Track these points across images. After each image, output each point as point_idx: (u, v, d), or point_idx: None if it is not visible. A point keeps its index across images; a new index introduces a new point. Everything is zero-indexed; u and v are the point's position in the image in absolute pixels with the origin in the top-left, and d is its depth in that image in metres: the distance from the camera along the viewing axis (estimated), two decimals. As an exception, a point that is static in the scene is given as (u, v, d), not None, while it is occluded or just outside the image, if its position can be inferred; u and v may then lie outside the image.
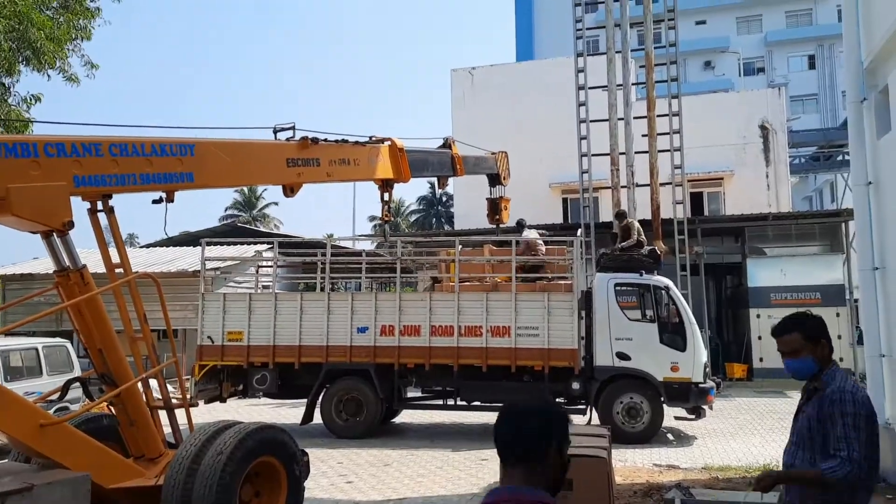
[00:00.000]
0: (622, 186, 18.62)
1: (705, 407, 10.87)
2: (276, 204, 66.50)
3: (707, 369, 11.13)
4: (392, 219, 9.42)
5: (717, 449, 10.19)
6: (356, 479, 8.50)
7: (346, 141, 8.06)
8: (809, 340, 2.98)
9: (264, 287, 13.43)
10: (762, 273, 18.62)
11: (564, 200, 25.84)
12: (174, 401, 6.20)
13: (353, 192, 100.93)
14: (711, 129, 23.12)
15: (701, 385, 10.72)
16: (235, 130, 7.21)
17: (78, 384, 5.83)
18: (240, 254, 18.27)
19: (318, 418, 11.46)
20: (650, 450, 10.12)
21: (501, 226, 12.46)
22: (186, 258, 20.19)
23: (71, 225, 5.31)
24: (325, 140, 7.69)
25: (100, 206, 5.74)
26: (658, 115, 18.72)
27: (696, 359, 10.80)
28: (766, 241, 19.44)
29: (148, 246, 25.52)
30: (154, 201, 6.04)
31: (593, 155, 19.25)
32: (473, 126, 26.47)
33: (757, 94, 26.64)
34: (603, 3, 20.37)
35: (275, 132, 7.31)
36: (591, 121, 19.29)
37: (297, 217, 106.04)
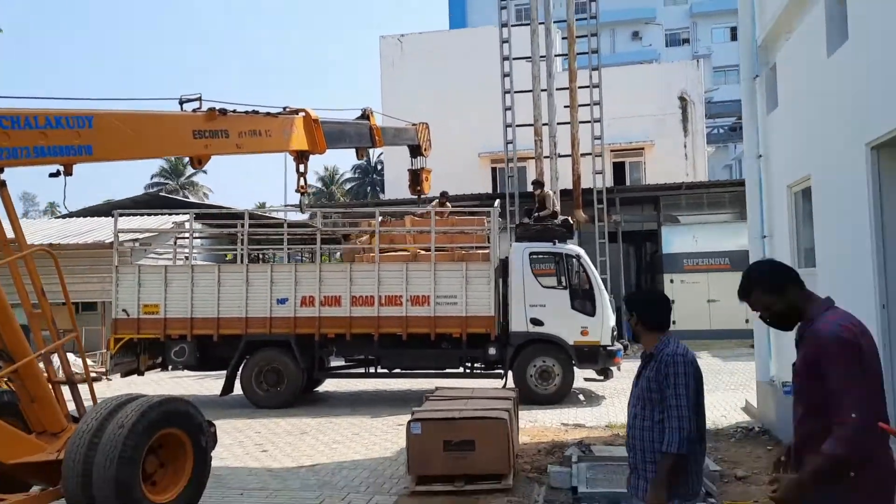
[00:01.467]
0: (545, 157, 19.02)
1: (613, 368, 11.43)
2: (204, 172, 64.86)
3: (615, 333, 11.68)
4: (308, 191, 9.30)
5: (622, 408, 10.73)
6: (272, 447, 8.64)
7: (258, 112, 7.97)
8: None
9: (185, 259, 13.25)
10: (676, 240, 19.48)
11: (493, 170, 26.18)
12: (77, 376, 6.17)
13: (284, 162, 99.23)
14: (633, 100, 23.78)
15: (609, 348, 11.27)
16: (139, 102, 7.09)
17: None
18: (159, 225, 17.86)
19: (237, 389, 11.50)
20: (560, 410, 10.61)
21: (423, 196, 12.53)
22: (105, 229, 19.56)
23: None
24: (235, 111, 7.59)
25: None
26: (580, 87, 19.16)
27: (604, 323, 11.32)
28: (680, 209, 20.28)
29: (65, 216, 24.57)
30: (51, 175, 5.87)
31: (518, 125, 19.58)
32: (403, 94, 26.41)
33: (676, 65, 27.46)
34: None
35: (181, 103, 7.23)
36: (515, 91, 19.57)
37: (228, 186, 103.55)
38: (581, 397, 11.80)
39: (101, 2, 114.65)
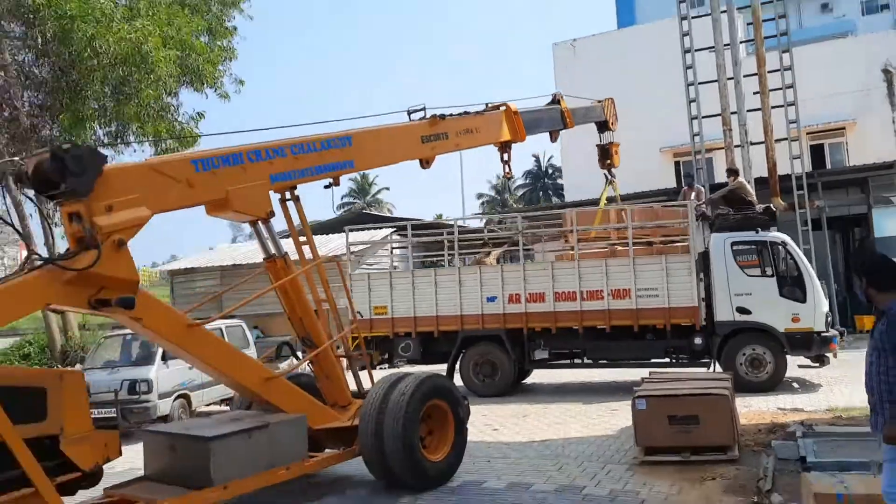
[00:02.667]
0: (736, 146, 18.61)
1: (829, 355, 11.20)
2: (387, 189, 69.23)
3: (829, 318, 11.41)
4: (513, 175, 10.37)
5: (842, 394, 10.55)
6: (501, 427, 9.67)
7: (468, 113, 8.95)
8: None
9: (393, 267, 14.87)
10: (890, 223, 18.16)
11: (676, 164, 25.83)
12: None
13: (460, 174, 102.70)
14: (830, 77, 22.42)
15: (823, 334, 11.07)
16: (377, 118, 8.39)
17: (287, 347, 7.31)
18: (370, 237, 19.91)
19: (457, 380, 12.74)
20: (775, 396, 10.62)
21: (613, 169, 12.99)
22: (321, 246, 22.12)
23: (272, 213, 6.67)
24: (451, 115, 8.62)
25: (288, 195, 7.05)
26: (769, 71, 18.54)
27: (817, 309, 11.14)
28: (893, 189, 18.81)
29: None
30: (325, 186, 7.31)
31: (704, 117, 19.33)
32: (579, 98, 26.89)
33: (877, 36, 25.46)
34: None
35: (408, 114, 8.31)
36: (699, 83, 19.36)
37: (407, 200, 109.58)
38: (795, 385, 11.66)
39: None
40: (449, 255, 14.22)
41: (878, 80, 23.22)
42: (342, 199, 65.81)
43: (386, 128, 7.95)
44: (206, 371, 6.80)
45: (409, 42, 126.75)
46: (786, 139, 18.50)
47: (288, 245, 7.13)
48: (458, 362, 12.76)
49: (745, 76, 18.64)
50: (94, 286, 5.13)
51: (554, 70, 28.81)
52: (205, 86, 13.68)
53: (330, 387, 7.16)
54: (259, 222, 6.73)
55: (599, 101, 12.04)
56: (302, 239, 7.21)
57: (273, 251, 6.89)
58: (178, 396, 11.01)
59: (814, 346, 11.08)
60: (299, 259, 7.25)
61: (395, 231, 22.08)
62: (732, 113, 18.73)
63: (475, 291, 12.65)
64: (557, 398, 12.02)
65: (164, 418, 10.58)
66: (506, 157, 9.82)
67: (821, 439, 7.21)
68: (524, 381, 13.88)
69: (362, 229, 20.15)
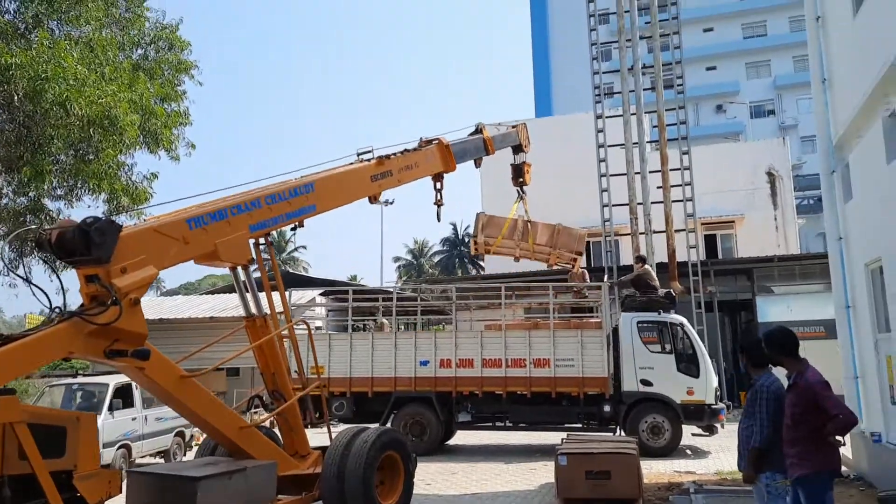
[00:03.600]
0: (640, 233, 20.77)
1: (717, 424, 12.84)
2: (304, 248, 69.18)
3: (718, 392, 13.11)
4: (444, 203, 10.86)
5: (728, 460, 12.08)
6: (433, 482, 10.58)
7: (408, 150, 9.69)
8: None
9: (317, 328, 15.73)
10: (771, 309, 20.56)
11: (588, 244, 27.95)
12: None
13: (380, 238, 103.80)
14: (722, 176, 25.34)
15: (713, 406, 12.72)
16: (329, 163, 8.75)
17: (257, 399, 8.05)
18: (296, 300, 20.60)
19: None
20: (672, 461, 12.06)
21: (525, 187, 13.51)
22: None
23: (252, 260, 7.35)
24: (394, 154, 9.34)
25: (262, 241, 7.65)
26: (671, 169, 20.97)
27: (708, 384, 12.81)
28: (774, 280, 21.39)
29: (209, 293, 27.93)
30: (292, 229, 8.06)
31: (614, 205, 21.51)
32: (501, 176, 28.94)
33: (763, 143, 28.83)
34: (618, 47, 22.72)
35: (358, 155, 8.99)
36: (610, 175, 21.60)
37: (323, 259, 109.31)
38: (688, 452, 13.19)
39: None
40: (385, 319, 15.19)
41: (763, 182, 26.42)
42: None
43: (341, 171, 8.58)
44: (190, 418, 7.38)
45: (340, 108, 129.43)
46: (684, 230, 20.83)
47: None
48: (390, 422, 13.60)
49: (650, 172, 20.99)
50: (110, 338, 5.81)
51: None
52: (160, 148, 14.36)
53: (293, 437, 7.83)
54: (239, 268, 7.39)
55: (514, 127, 12.93)
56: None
57: (254, 311, 7.64)
58: (121, 446, 11.32)
59: (705, 416, 12.69)
60: (270, 312, 7.78)
61: (322, 293, 22.90)
62: (639, 204, 20.98)
63: (409, 355, 13.65)
64: (480, 458, 13.03)
65: (106, 467, 10.83)
66: (438, 185, 10.56)
67: (710, 496, 8.61)
68: (448, 442, 14.83)
69: (297, 289, 20.82)
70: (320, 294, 22.93)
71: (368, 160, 8.94)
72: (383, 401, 13.63)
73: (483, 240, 13.79)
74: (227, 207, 7.06)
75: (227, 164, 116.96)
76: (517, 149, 13.05)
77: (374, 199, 9.06)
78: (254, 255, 7.49)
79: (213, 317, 20.55)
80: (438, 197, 10.74)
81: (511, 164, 13.26)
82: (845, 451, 11.39)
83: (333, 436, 7.80)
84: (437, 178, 10.44)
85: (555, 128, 29.49)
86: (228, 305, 22.37)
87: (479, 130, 11.57)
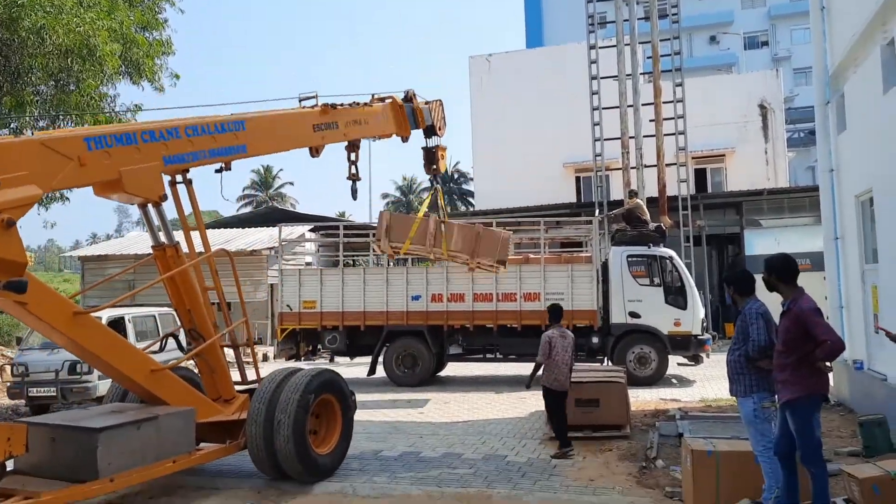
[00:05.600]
0: (632, 168, 20.69)
1: (703, 354, 13.12)
2: (291, 184, 68.57)
3: (704, 324, 13.34)
4: (360, 178, 9.55)
5: (712, 388, 12.41)
6: (426, 411, 10.82)
7: (357, 103, 8.83)
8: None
9: (307, 264, 15.77)
10: (758, 242, 20.74)
11: (577, 179, 27.88)
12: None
13: (368, 174, 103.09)
14: (714, 108, 25.10)
15: (699, 337, 12.96)
16: (268, 103, 8.01)
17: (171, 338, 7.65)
18: (286, 235, 20.56)
19: (380, 371, 13.78)
20: (658, 390, 12.36)
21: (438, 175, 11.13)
22: (239, 239, 22.51)
23: (165, 197, 6.54)
24: (342, 105, 8.49)
25: (179, 179, 6.88)
26: (664, 102, 20.73)
27: (695, 315, 13.01)
28: (762, 213, 21.50)
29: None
30: (216, 171, 7.13)
31: (605, 139, 21.32)
32: (491, 109, 28.58)
33: (756, 75, 28.42)
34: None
35: (300, 101, 8.18)
36: (603, 108, 21.34)
37: (310, 195, 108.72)
38: (674, 381, 13.51)
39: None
40: (375, 255, 15.20)
41: (755, 115, 26.20)
42: (244, 190, 64.90)
43: (280, 113, 7.82)
44: (91, 361, 6.73)
45: (313, 47, 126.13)
46: (675, 164, 20.76)
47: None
48: (382, 355, 13.79)
49: (642, 104, 20.75)
50: None
51: (469, 82, 30.26)
52: (143, 79, 14.00)
53: (215, 381, 7.06)
54: (150, 206, 6.62)
55: (427, 103, 10.62)
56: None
57: (163, 240, 6.87)
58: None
59: (691, 346, 12.95)
60: (188, 248, 7.11)
61: (312, 229, 22.86)
62: (631, 137, 20.82)
63: (401, 290, 13.73)
64: (472, 388, 13.30)
65: (100, 399, 10.97)
66: (353, 156, 9.30)
67: (694, 421, 8.85)
68: (440, 374, 15.09)
69: (287, 225, 20.78)
70: (310, 230, 22.90)
71: (313, 107, 8.17)
72: (375, 334, 13.79)
73: (387, 245, 11.69)
74: (136, 132, 6.33)
75: (215, 95, 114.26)
76: (430, 130, 10.69)
77: (316, 152, 8.26)
78: (168, 193, 6.68)
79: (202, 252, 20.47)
80: (353, 171, 9.43)
81: (423, 148, 10.88)
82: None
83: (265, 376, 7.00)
84: (352, 147, 9.23)
85: (546, 59, 28.94)
86: (217, 241, 22.32)
87: (409, 98, 10.02)
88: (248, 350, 7.51)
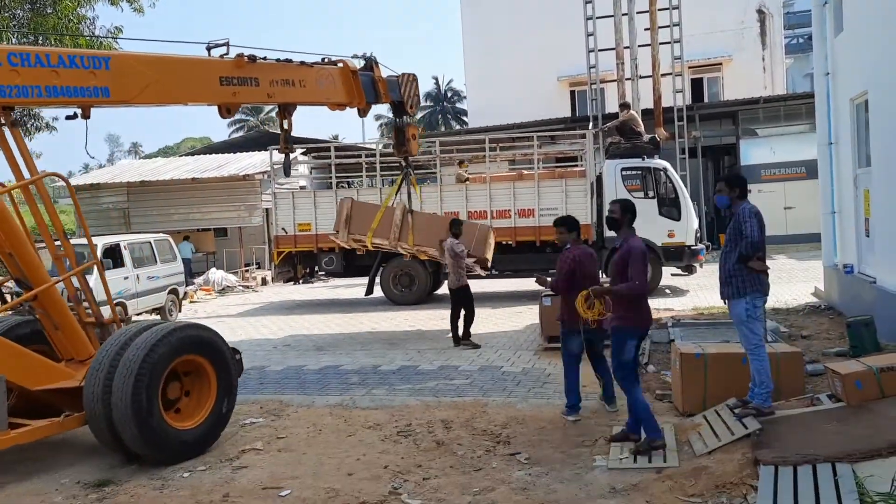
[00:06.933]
0: (626, 79, 20.29)
1: (696, 264, 13.26)
2: (284, 109, 67.31)
3: (698, 234, 13.43)
4: (294, 150, 8.29)
5: (704, 297, 12.60)
6: (422, 327, 11.03)
7: (291, 61, 7.37)
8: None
9: (301, 187, 15.67)
10: (754, 152, 20.64)
11: (572, 93, 27.43)
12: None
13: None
14: (711, 15, 24.39)
15: (693, 247, 13.07)
16: (165, 46, 6.71)
17: None
18: (278, 158, 20.40)
19: (378, 291, 13.95)
20: (652, 300, 12.36)
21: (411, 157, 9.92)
22: (231, 164, 22.31)
23: None
24: (265, 59, 7.08)
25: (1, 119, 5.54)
26: (659, 9, 20.12)
27: (688, 226, 13.08)
28: (758, 122, 21.28)
29: (147, 157, 27.45)
30: (67, 117, 5.86)
31: (600, 50, 20.81)
32: (482, 23, 27.77)
33: (755, -22, 27.42)
34: None
35: (208, 49, 6.73)
36: (597, 17, 20.72)
37: (302, 118, 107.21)
38: (668, 291, 13.72)
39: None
40: (369, 175, 15.12)
41: (753, 20, 25.51)
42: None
43: (171, 57, 6.36)
44: None
45: None
46: (671, 74, 20.35)
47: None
48: (379, 275, 13.93)
49: (637, 13, 20.14)
50: None
51: (461, -6, 29.26)
52: (121, -1, 13.51)
53: (63, 339, 5.88)
54: None
55: (398, 76, 9.07)
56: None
57: None
58: (116, 304, 11.56)
59: (685, 257, 13.08)
60: (15, 178, 5.80)
61: (304, 152, 22.59)
62: (625, 47, 20.31)
63: (395, 210, 13.70)
64: (468, 305, 13.49)
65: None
66: (286, 124, 7.96)
67: (686, 328, 9.04)
68: (436, 292, 15.28)
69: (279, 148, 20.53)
70: (302, 153, 22.65)
71: (222, 56, 6.67)
72: (371, 255, 13.84)
73: (347, 237, 10.70)
74: None
75: (203, 18, 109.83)
76: (400, 107, 9.16)
77: (226, 112, 6.77)
78: None
79: (196, 178, 20.32)
80: (284, 142, 8.09)
81: (393, 126, 9.69)
82: (818, 283, 11.92)
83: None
84: (284, 113, 7.90)
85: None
86: (209, 167, 22.14)
87: (369, 66, 8.66)
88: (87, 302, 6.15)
